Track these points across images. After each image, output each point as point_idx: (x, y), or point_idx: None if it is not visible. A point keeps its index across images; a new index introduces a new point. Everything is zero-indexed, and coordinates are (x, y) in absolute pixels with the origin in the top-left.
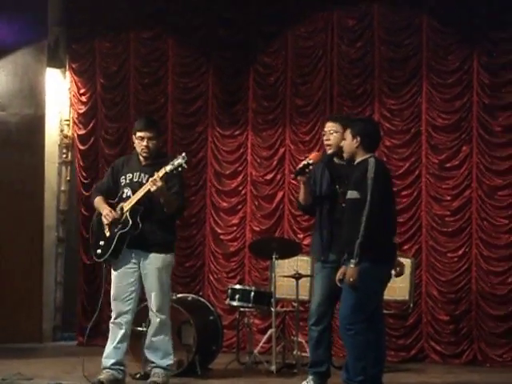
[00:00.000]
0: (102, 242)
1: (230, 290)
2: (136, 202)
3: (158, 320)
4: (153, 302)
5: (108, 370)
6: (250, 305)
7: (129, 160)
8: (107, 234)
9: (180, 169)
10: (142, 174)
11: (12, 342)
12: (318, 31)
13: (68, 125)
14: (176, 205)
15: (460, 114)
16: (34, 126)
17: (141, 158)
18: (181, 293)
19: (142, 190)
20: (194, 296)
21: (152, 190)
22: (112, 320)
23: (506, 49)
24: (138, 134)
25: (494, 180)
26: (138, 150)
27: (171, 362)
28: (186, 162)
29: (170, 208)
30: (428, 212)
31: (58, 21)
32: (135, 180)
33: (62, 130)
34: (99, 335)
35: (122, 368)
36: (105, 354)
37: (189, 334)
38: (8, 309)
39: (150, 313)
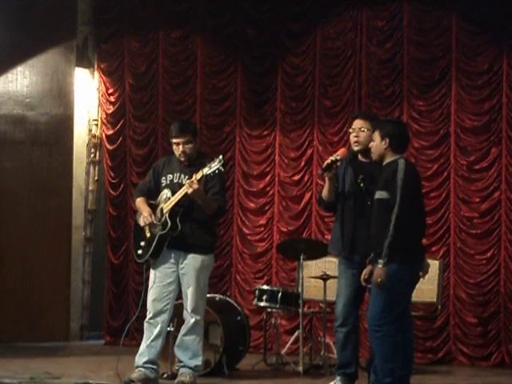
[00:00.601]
0: (142, 243)
1: (257, 291)
2: (175, 204)
3: (193, 320)
4: (189, 302)
5: (140, 369)
6: (278, 306)
7: (170, 161)
8: (148, 234)
9: (217, 171)
10: (182, 175)
11: (39, 341)
12: (346, 31)
13: (96, 125)
14: (215, 206)
15: (489, 115)
16: (63, 125)
17: (181, 159)
18: (208, 293)
19: (179, 192)
20: (221, 296)
21: (189, 192)
22: (147, 319)
23: None
24: (174, 140)
25: None
26: (177, 154)
27: (199, 363)
28: (222, 165)
29: (208, 209)
30: (456, 214)
31: (87, 20)
32: (175, 181)
33: (90, 130)
34: (127, 334)
35: (154, 367)
36: (139, 352)
37: (216, 335)
38: (36, 308)
39: (185, 312)
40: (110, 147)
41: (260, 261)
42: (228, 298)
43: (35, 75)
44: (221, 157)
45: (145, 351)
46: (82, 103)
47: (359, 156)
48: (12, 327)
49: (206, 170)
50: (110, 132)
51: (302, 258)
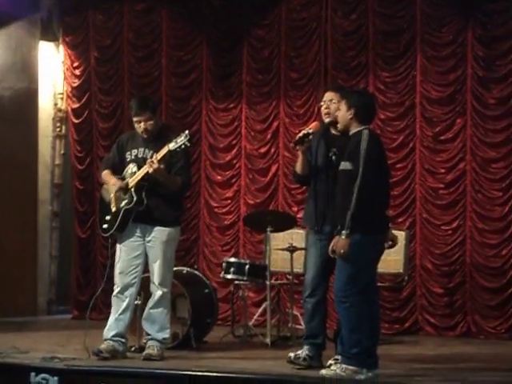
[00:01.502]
0: (108, 217)
1: (224, 263)
2: (140, 179)
3: (160, 293)
4: (156, 274)
5: (109, 342)
6: (245, 278)
7: (134, 135)
8: (113, 209)
9: (183, 147)
10: (147, 150)
11: (7, 316)
12: (311, 3)
13: (62, 98)
14: (179, 182)
15: (454, 86)
16: (28, 99)
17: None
18: (175, 266)
19: (142, 169)
20: (188, 269)
21: (150, 171)
22: (115, 293)
23: (500, 21)
24: (134, 118)
25: (488, 152)
26: (139, 132)
27: (167, 335)
28: (188, 141)
29: (172, 186)
30: (422, 185)
31: None
32: (140, 156)
33: (55, 104)
34: (94, 308)
35: (122, 340)
36: (107, 326)
37: (183, 307)
38: (2, 283)
39: (152, 285)
40: (75, 121)
41: (227, 233)
42: (195, 271)
43: None
44: (187, 132)
45: (113, 325)
46: (46, 77)
47: (331, 129)
48: None
49: (172, 146)
50: (76, 106)
51: (268, 230)
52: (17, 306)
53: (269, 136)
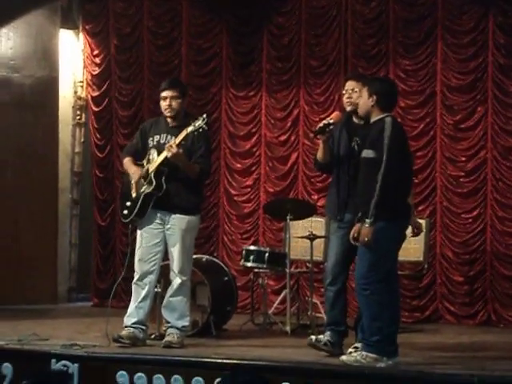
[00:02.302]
0: (128, 203)
1: (244, 251)
2: (160, 164)
3: (179, 281)
4: (175, 262)
5: (129, 329)
6: (265, 266)
7: (157, 122)
8: (133, 195)
9: (201, 130)
10: (169, 136)
11: (27, 304)
12: None
13: (82, 86)
14: (197, 169)
15: (475, 74)
16: (48, 87)
17: (168, 120)
18: (195, 254)
19: (161, 155)
20: (208, 257)
21: (168, 156)
22: (135, 280)
23: None
24: (162, 94)
25: (509, 141)
26: (163, 110)
27: (187, 323)
28: (206, 124)
29: (190, 173)
30: (443, 173)
31: None
32: (162, 141)
33: (75, 92)
34: (114, 296)
35: (143, 327)
36: (127, 313)
37: (203, 295)
38: (23, 270)
39: (172, 273)
40: (95, 109)
41: (247, 221)
42: (215, 259)
43: (19, 37)
44: (205, 115)
45: (133, 312)
46: (67, 65)
47: (353, 118)
48: (0, 290)
49: (191, 129)
50: (96, 94)
51: (288, 218)
52: (37, 294)
53: (289, 124)
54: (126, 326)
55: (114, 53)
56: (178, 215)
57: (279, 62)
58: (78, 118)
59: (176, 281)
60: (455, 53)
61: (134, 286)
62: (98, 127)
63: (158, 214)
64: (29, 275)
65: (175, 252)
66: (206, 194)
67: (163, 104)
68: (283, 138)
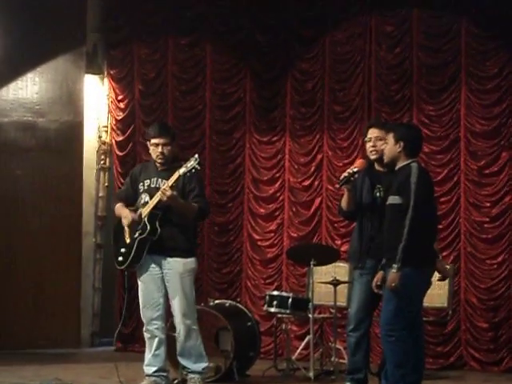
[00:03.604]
0: (123, 250)
1: (267, 297)
2: (153, 208)
3: (184, 326)
4: (177, 307)
5: (150, 377)
6: (288, 311)
7: (146, 167)
8: (127, 240)
9: (193, 171)
10: (160, 180)
11: (50, 348)
12: (355, 37)
13: (106, 131)
14: (195, 209)
15: (499, 119)
16: (73, 132)
17: (157, 164)
18: (218, 299)
19: (155, 197)
20: (231, 302)
21: (163, 199)
22: (144, 328)
23: None
24: (153, 140)
25: None
26: (154, 156)
27: (206, 364)
28: (198, 164)
29: (188, 213)
30: (467, 219)
31: (96, 27)
32: (152, 186)
33: (100, 137)
34: (137, 341)
35: (164, 374)
36: (146, 362)
37: (226, 340)
38: (46, 314)
39: (176, 319)
40: (119, 153)
41: (270, 266)
42: (238, 304)
43: (45, 82)
44: (196, 155)
45: (151, 360)
46: (91, 110)
47: (376, 165)
48: (23, 334)
49: (183, 170)
50: (120, 138)
51: (312, 263)
52: (60, 338)
53: (312, 169)
54: (147, 375)
55: (138, 98)
56: (173, 259)
57: (303, 107)
58: (103, 162)
59: (182, 326)
60: (479, 98)
61: (145, 334)
62: (122, 172)
63: (153, 260)
64: (52, 319)
65: (176, 298)
66: (229, 239)
67: (155, 150)
68: (307, 183)
